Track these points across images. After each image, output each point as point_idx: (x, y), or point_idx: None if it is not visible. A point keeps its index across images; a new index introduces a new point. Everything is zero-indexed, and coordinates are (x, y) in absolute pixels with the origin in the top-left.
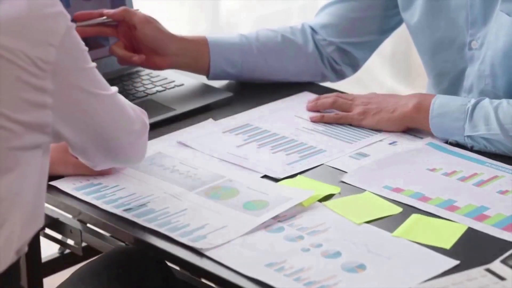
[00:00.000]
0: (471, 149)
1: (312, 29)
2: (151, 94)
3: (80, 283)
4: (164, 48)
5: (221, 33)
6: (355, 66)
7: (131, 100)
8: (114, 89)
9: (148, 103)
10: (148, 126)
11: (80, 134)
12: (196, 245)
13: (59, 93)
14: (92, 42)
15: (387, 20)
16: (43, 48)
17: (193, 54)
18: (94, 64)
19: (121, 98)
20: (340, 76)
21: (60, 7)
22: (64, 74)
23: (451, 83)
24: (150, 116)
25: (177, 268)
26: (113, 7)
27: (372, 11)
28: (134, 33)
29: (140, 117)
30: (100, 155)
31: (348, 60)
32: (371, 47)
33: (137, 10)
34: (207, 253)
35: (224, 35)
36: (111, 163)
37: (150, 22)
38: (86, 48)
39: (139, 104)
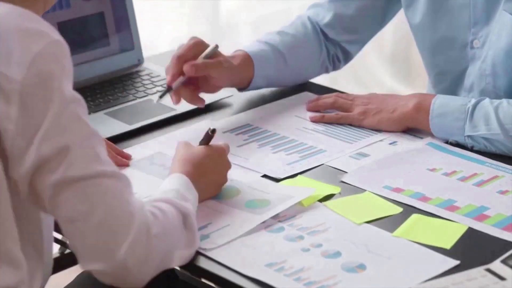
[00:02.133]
0: (471, 149)
1: (319, 27)
2: (151, 94)
3: (82, 285)
4: (225, 82)
5: (221, 33)
6: (349, 59)
7: (130, 100)
8: (109, 167)
9: (148, 103)
10: (155, 233)
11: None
12: (200, 245)
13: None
14: (91, 42)
15: (386, 14)
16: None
17: (241, 80)
18: (78, 111)
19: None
20: (335, 68)
21: (40, 26)
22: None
23: (452, 82)
24: (150, 116)
25: (177, 268)
26: (112, 6)
27: (373, 9)
28: (207, 78)
29: (143, 218)
30: (81, 243)
31: (344, 55)
32: (368, 40)
33: (215, 52)
34: (207, 253)
35: (259, 46)
36: (94, 263)
37: (223, 70)
38: (79, 97)
39: (139, 104)
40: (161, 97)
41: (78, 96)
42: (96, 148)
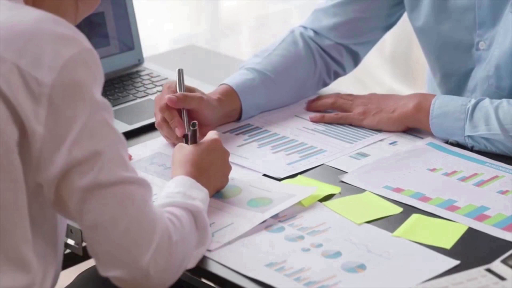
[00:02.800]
0: (471, 149)
1: (316, 32)
2: (151, 94)
3: (82, 285)
4: (213, 119)
5: (221, 33)
6: (357, 63)
7: (131, 100)
8: (134, 173)
9: (148, 103)
10: (176, 240)
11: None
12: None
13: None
14: (91, 42)
15: (392, 16)
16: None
17: (229, 113)
18: (106, 117)
19: (142, 188)
20: (339, 77)
21: (73, 33)
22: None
23: (457, 83)
24: (150, 116)
25: None
26: (112, 6)
27: (380, 9)
28: (191, 113)
29: (164, 226)
30: (99, 250)
31: (353, 60)
32: (375, 42)
33: (191, 89)
34: (207, 253)
35: (245, 76)
36: (116, 270)
37: (207, 103)
38: (108, 103)
39: (139, 104)
40: None
41: (107, 102)
42: (123, 155)
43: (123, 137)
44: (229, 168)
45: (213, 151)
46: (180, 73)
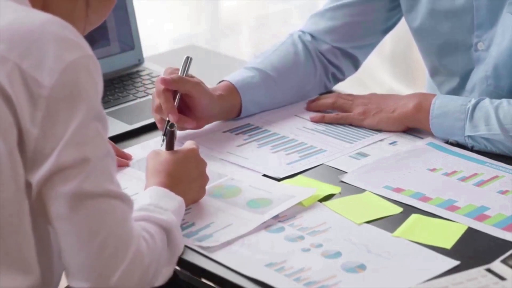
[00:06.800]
0: (471, 149)
1: (313, 36)
2: (151, 94)
3: None
4: (209, 111)
5: (221, 33)
6: (357, 67)
7: (131, 100)
8: (119, 189)
9: (148, 103)
10: (147, 263)
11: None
12: (203, 244)
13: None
14: (91, 42)
15: (390, 19)
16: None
17: (228, 109)
18: (100, 128)
19: (123, 203)
20: (338, 81)
21: (78, 39)
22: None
23: (456, 83)
24: (150, 116)
25: (178, 268)
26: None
27: (377, 13)
28: (186, 99)
29: (138, 247)
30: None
31: (352, 64)
32: (373, 46)
33: (192, 76)
34: (207, 253)
35: (245, 73)
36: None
37: (203, 89)
38: (105, 116)
39: (140, 104)
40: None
41: (104, 115)
42: (110, 168)
43: (113, 153)
44: (206, 179)
45: (190, 161)
46: (187, 60)
